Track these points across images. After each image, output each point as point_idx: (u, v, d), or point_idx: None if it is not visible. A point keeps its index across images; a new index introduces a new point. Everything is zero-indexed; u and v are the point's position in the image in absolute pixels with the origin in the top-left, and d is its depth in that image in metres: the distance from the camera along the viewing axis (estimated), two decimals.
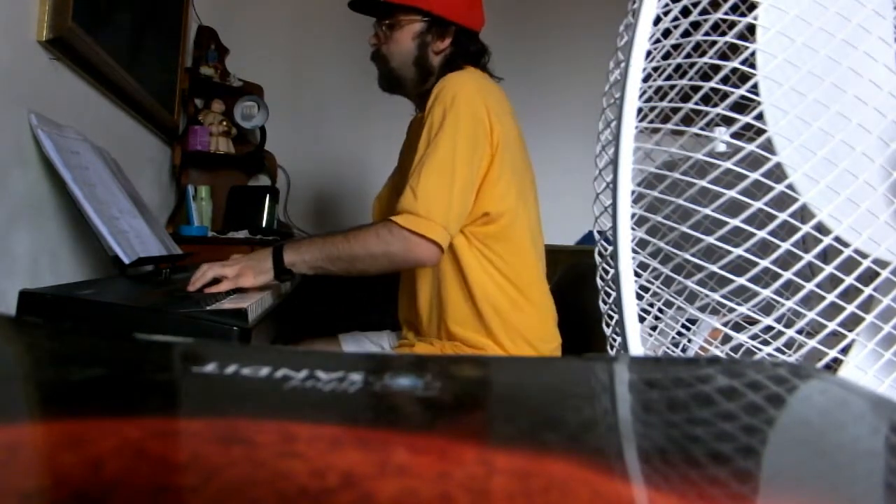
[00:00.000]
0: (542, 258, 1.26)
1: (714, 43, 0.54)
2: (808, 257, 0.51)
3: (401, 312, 1.32)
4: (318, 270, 1.10)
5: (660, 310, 0.63)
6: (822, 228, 0.52)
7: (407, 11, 1.20)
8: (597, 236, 0.66)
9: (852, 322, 0.53)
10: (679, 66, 0.57)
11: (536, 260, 1.24)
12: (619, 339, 0.61)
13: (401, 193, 1.09)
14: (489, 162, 1.12)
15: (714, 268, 0.52)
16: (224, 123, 2.21)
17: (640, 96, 0.59)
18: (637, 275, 0.60)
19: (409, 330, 1.29)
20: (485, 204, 1.13)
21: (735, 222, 0.51)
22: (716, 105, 0.54)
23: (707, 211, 0.52)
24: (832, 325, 0.52)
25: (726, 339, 0.58)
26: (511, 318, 1.18)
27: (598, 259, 0.66)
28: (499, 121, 1.13)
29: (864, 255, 0.52)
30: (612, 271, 0.61)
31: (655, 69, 0.59)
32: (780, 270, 0.50)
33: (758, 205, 0.49)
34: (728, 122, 0.54)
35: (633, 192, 0.59)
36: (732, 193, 0.50)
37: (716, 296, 0.54)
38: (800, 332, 0.52)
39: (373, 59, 1.27)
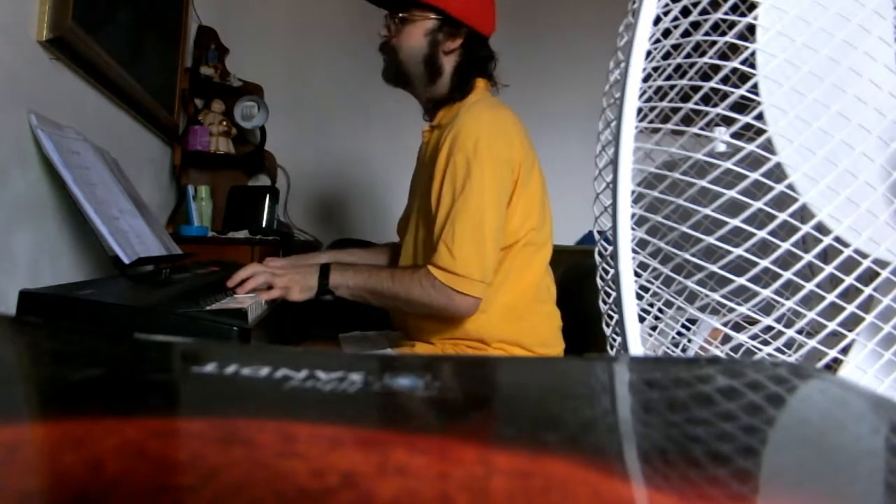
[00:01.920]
0: (548, 264, 1.27)
1: (714, 43, 0.54)
2: (808, 257, 0.51)
3: (394, 317, 1.32)
4: (357, 297, 1.15)
5: (660, 310, 0.63)
6: (822, 228, 0.52)
7: (422, 8, 1.21)
8: (597, 236, 0.66)
9: (852, 322, 0.53)
10: (679, 66, 0.57)
11: (544, 268, 1.24)
12: (619, 339, 0.61)
13: (422, 224, 1.13)
14: (512, 192, 1.14)
15: (714, 268, 0.52)
16: (224, 123, 2.21)
17: (640, 96, 0.59)
18: (637, 275, 0.60)
19: (403, 335, 1.30)
20: (508, 236, 1.15)
21: (735, 222, 0.51)
22: (716, 105, 0.54)
23: (707, 211, 0.52)
24: (832, 325, 0.52)
25: (726, 339, 0.58)
26: (509, 328, 1.18)
27: (598, 259, 0.66)
28: (521, 146, 1.15)
29: (864, 255, 0.52)
30: (612, 271, 0.61)
31: (655, 69, 0.59)
32: (780, 270, 0.50)
33: (758, 205, 0.49)
34: (728, 122, 0.54)
35: (633, 192, 0.59)
36: (732, 193, 0.50)
37: (716, 296, 0.54)
38: (800, 332, 0.52)
39: (381, 51, 1.27)
